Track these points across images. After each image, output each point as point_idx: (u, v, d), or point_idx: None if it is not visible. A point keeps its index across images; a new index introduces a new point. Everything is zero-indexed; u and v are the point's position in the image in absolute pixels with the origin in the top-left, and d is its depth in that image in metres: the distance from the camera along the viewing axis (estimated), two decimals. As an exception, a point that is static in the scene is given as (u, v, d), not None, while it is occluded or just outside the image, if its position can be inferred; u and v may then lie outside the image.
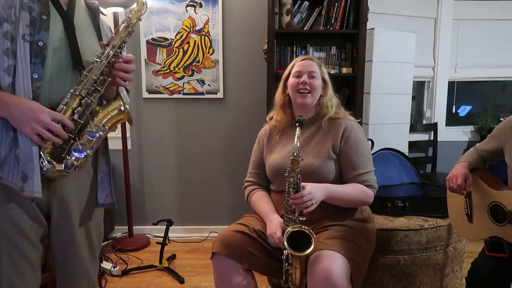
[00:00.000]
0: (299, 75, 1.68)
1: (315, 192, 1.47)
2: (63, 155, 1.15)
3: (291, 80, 1.70)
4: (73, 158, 1.16)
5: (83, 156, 1.16)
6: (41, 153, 1.12)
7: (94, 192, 1.30)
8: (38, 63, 1.12)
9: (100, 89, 1.18)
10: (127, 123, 1.31)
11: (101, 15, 1.34)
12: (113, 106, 1.23)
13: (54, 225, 1.24)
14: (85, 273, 1.32)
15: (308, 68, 1.68)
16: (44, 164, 1.12)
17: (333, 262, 1.38)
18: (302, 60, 1.71)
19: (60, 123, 1.12)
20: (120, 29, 1.21)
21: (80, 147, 1.16)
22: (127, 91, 1.41)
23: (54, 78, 1.16)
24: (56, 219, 1.24)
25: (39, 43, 1.12)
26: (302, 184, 1.48)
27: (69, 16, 1.21)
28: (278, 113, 1.77)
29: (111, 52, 1.18)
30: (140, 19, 1.25)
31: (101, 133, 1.18)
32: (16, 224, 1.15)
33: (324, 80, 1.72)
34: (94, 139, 1.18)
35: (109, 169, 1.33)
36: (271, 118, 1.82)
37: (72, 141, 1.16)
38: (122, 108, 1.23)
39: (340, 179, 1.65)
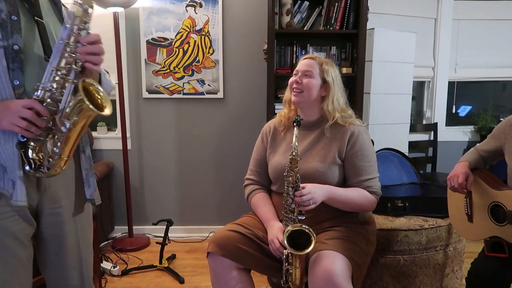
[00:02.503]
0: (296, 73, 1.69)
1: (315, 192, 1.46)
2: (43, 154, 1.12)
3: (291, 78, 1.72)
4: (50, 157, 1.11)
5: (57, 154, 1.11)
6: (21, 152, 1.09)
7: (80, 188, 1.30)
8: (16, 68, 1.07)
9: (69, 80, 1.09)
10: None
11: (64, 5, 1.28)
12: (76, 100, 1.09)
13: (45, 223, 1.24)
14: (80, 268, 1.32)
15: (305, 67, 1.67)
16: (27, 168, 1.11)
17: (335, 262, 1.38)
18: (304, 59, 1.72)
19: (32, 109, 1.06)
20: (74, 10, 1.09)
21: (53, 144, 1.11)
22: (107, 72, 1.33)
23: (35, 82, 1.10)
24: (48, 217, 1.24)
25: (14, 47, 1.06)
26: (304, 184, 1.48)
27: (37, 13, 1.13)
28: (285, 108, 1.79)
29: (64, 35, 1.08)
30: None
31: (64, 128, 1.09)
32: (7, 228, 1.15)
33: (324, 80, 1.67)
34: (62, 135, 1.10)
35: (91, 165, 1.31)
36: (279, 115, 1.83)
37: (49, 135, 1.11)
38: (81, 102, 1.07)
39: (343, 184, 1.64)
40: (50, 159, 1.11)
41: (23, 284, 1.22)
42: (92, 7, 1.10)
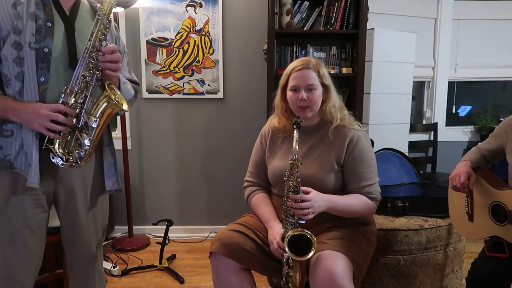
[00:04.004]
0: (296, 88, 1.59)
1: (316, 201, 1.45)
2: (71, 148, 1.25)
3: (289, 93, 1.61)
4: (81, 150, 1.26)
5: (86, 148, 1.26)
6: (51, 147, 1.23)
7: (100, 180, 1.42)
8: (44, 67, 1.23)
9: (91, 83, 1.26)
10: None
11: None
12: (101, 98, 1.29)
13: (61, 210, 1.38)
14: (90, 253, 1.46)
15: (305, 81, 1.58)
16: (54, 158, 1.24)
17: (336, 262, 1.38)
18: (298, 70, 1.59)
19: (60, 112, 1.22)
20: (94, 22, 1.27)
21: (81, 138, 1.26)
22: (136, 83, 1.53)
23: (59, 79, 1.26)
24: (63, 205, 1.37)
25: (44, 50, 1.22)
26: (307, 188, 1.47)
27: (70, 21, 1.30)
28: (281, 120, 1.71)
29: (89, 46, 1.25)
30: (114, 7, 1.30)
31: (94, 124, 1.27)
32: (20, 211, 1.28)
33: (324, 85, 1.62)
34: (90, 130, 1.27)
35: (115, 159, 1.45)
36: (273, 121, 1.76)
37: (76, 133, 1.25)
38: (108, 98, 1.28)
39: (342, 188, 1.63)
40: (81, 152, 1.26)
41: (26, 266, 1.32)
42: (111, 22, 1.30)
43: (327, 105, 1.63)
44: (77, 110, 1.25)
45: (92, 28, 1.26)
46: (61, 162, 1.25)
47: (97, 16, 1.26)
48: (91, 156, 1.31)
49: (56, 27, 1.26)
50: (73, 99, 1.24)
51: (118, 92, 1.33)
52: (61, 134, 1.23)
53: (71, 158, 1.25)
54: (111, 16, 1.30)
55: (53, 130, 1.21)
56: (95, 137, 1.28)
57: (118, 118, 2.87)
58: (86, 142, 1.26)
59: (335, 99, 1.66)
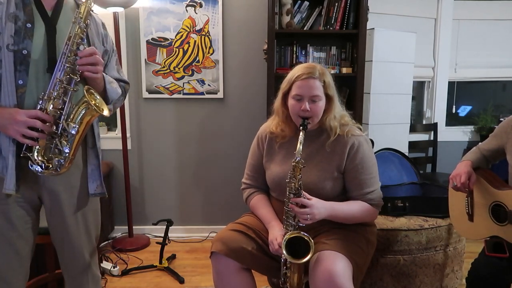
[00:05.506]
0: (300, 98, 1.54)
1: (317, 208, 1.44)
2: (51, 155, 1.22)
3: (292, 101, 1.56)
4: (60, 157, 1.23)
5: (66, 155, 1.23)
6: (29, 155, 1.20)
7: (85, 183, 1.38)
8: (22, 70, 1.19)
9: (70, 89, 1.22)
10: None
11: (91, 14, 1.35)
12: (80, 103, 1.25)
13: (47, 215, 1.36)
14: (81, 256, 1.43)
15: (310, 91, 1.52)
16: (33, 166, 1.21)
17: (336, 262, 1.38)
18: (304, 79, 1.52)
19: (38, 118, 1.18)
20: (71, 26, 1.23)
21: (60, 145, 1.23)
22: (125, 82, 1.47)
23: (38, 82, 1.23)
24: (49, 209, 1.35)
25: (23, 52, 1.19)
26: (308, 196, 1.46)
27: (52, 21, 1.25)
28: (279, 125, 1.68)
29: (66, 51, 1.21)
30: (91, 10, 1.26)
31: (73, 130, 1.23)
32: (5, 214, 1.26)
33: (328, 96, 1.56)
34: (69, 136, 1.24)
35: (99, 162, 1.40)
36: (270, 125, 1.72)
37: (55, 140, 1.22)
38: (86, 104, 1.24)
39: (342, 193, 1.63)
40: (61, 160, 1.23)
41: (15, 272, 1.31)
42: (87, 25, 1.26)
43: (327, 116, 1.59)
44: (56, 116, 1.22)
45: (69, 32, 1.22)
46: (40, 169, 1.22)
47: (73, 20, 1.23)
48: (72, 163, 1.27)
49: (36, 28, 1.22)
50: (51, 105, 1.21)
51: (98, 97, 1.28)
52: (39, 141, 1.19)
53: (51, 166, 1.22)
54: (93, 18, 1.26)
55: (29, 137, 1.17)
56: (75, 144, 1.25)
57: (118, 118, 2.87)
58: (66, 149, 1.23)
59: (337, 110, 1.61)
